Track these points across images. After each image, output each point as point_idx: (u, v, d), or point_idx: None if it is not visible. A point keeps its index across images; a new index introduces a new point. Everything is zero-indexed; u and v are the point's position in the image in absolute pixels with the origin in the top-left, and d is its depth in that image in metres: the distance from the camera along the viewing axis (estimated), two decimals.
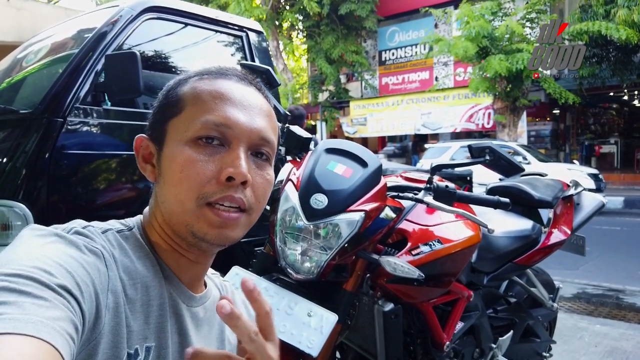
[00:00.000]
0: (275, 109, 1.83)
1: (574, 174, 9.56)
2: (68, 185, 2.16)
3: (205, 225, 0.63)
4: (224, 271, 1.46)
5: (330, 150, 1.52)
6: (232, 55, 3.14)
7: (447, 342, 1.70)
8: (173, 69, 2.71)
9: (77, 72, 2.17)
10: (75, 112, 2.15)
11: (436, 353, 1.70)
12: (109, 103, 2.28)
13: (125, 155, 2.34)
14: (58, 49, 2.65)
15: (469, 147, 1.75)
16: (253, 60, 3.04)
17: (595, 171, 11.10)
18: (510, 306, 2.27)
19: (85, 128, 2.23)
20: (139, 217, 0.72)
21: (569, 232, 2.30)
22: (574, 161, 13.66)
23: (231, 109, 0.65)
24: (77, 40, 2.48)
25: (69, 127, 2.13)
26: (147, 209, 0.71)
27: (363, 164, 1.48)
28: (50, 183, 2.06)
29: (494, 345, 2.03)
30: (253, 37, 3.13)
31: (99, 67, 2.23)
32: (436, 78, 16.75)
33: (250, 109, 0.67)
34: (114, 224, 0.68)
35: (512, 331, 2.14)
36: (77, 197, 2.20)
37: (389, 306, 1.51)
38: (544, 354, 2.44)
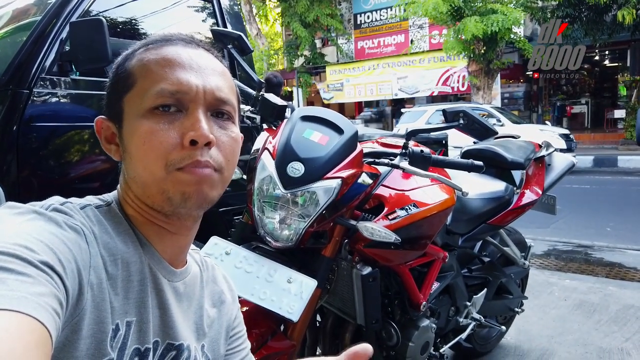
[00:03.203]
0: (249, 76, 1.80)
1: (546, 134, 9.74)
2: (39, 158, 2.11)
3: (182, 185, 0.63)
4: (202, 241, 1.47)
5: (306, 118, 1.52)
6: (203, 20, 3.06)
7: (424, 302, 1.76)
8: (142, 36, 2.63)
9: (41, 41, 2.09)
10: (42, 82, 2.08)
11: (413, 313, 1.76)
12: (77, 73, 2.21)
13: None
14: (19, 16, 2.54)
15: (444, 111, 1.77)
16: (225, 26, 2.97)
17: (566, 131, 11.32)
18: (484, 265, 2.35)
19: (53, 99, 2.17)
20: (116, 192, 0.71)
21: (541, 192, 2.37)
22: (546, 122, 13.89)
23: (182, 73, 0.64)
24: (40, 6, 2.38)
25: (36, 98, 2.07)
26: (119, 186, 0.71)
27: (339, 131, 1.48)
28: (19, 157, 2.01)
29: (468, 303, 2.11)
30: (224, 1, 3.04)
31: (64, 35, 2.15)
32: (411, 41, 16.62)
33: (201, 70, 0.66)
34: (91, 199, 0.67)
35: (486, 289, 2.23)
36: (49, 170, 2.16)
37: (367, 270, 1.55)
38: (517, 309, 2.55)
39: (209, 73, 0.67)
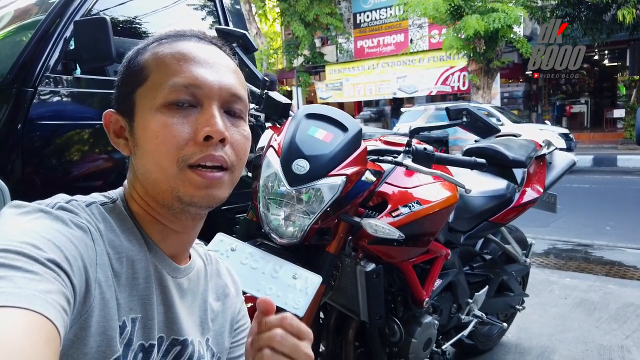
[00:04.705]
0: (253, 74, 1.81)
1: (545, 134, 9.75)
2: (42, 157, 2.12)
3: (191, 188, 0.63)
4: (207, 239, 1.48)
5: (311, 116, 1.53)
6: (204, 19, 3.07)
7: (427, 299, 1.77)
8: (145, 35, 2.64)
9: (45, 40, 2.10)
10: (46, 81, 2.09)
11: (416, 309, 1.77)
12: (80, 71, 2.22)
13: (99, 125, 2.29)
14: (23, 15, 2.54)
15: (447, 109, 1.78)
16: (227, 24, 2.98)
17: (566, 131, 11.33)
18: (486, 263, 2.36)
19: (57, 98, 2.18)
20: (121, 189, 0.70)
21: (542, 190, 2.38)
22: (546, 121, 13.89)
23: (197, 68, 0.64)
24: (43, 5, 2.39)
25: (40, 97, 2.08)
26: (126, 182, 0.70)
27: (343, 128, 1.49)
28: (24, 155, 2.02)
29: (470, 300, 2.12)
30: (226, 0, 3.05)
31: (68, 33, 2.16)
32: (411, 40, 16.64)
33: (217, 66, 0.66)
34: (97, 197, 0.67)
35: (487, 286, 2.24)
36: (52, 169, 2.16)
37: (371, 266, 1.56)
38: (518, 307, 2.56)
39: (223, 70, 0.67)
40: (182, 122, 0.62)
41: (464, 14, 11.54)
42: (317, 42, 19.10)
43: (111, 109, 0.69)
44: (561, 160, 2.58)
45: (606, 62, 17.75)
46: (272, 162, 1.44)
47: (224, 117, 0.66)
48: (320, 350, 1.84)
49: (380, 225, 1.46)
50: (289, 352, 0.62)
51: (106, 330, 0.57)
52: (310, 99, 20.14)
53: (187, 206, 0.65)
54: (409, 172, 1.64)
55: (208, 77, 0.64)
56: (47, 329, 0.44)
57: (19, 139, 2.00)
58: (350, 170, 1.44)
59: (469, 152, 2.28)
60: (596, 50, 15.25)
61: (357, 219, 1.51)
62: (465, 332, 2.17)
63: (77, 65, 2.18)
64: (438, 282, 1.91)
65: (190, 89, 0.63)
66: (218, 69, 0.66)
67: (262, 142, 1.56)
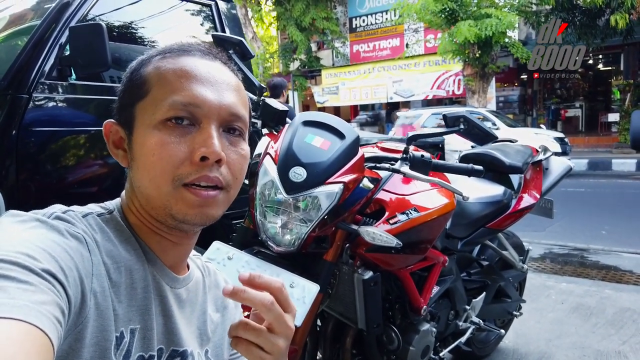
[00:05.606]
0: (250, 81, 1.81)
1: (540, 138, 9.78)
2: (37, 163, 2.11)
3: (184, 206, 0.63)
4: (204, 247, 1.47)
5: (308, 123, 1.52)
6: (201, 24, 3.06)
7: (424, 306, 1.77)
8: (141, 41, 2.63)
9: (40, 46, 2.09)
10: (41, 87, 2.08)
11: (414, 317, 1.77)
12: (76, 77, 2.21)
13: (94, 131, 2.29)
14: (18, 21, 2.53)
15: (444, 116, 1.78)
16: (223, 30, 2.97)
17: (561, 135, 11.37)
18: (483, 269, 2.36)
19: (52, 104, 2.17)
20: (118, 200, 0.70)
21: (538, 196, 2.38)
22: (541, 125, 13.94)
23: (198, 86, 0.63)
24: (38, 11, 2.38)
25: (35, 103, 2.07)
26: (123, 193, 0.70)
27: (340, 136, 1.49)
28: (18, 161, 2.01)
29: (468, 307, 2.12)
30: (222, 5, 3.05)
31: (64, 39, 2.15)
32: (406, 45, 16.70)
33: (218, 85, 0.66)
34: (93, 207, 0.67)
35: (484, 293, 2.24)
36: (47, 175, 2.15)
37: (369, 274, 1.55)
38: (515, 312, 2.56)
39: (224, 88, 0.66)
40: (179, 141, 0.62)
41: (459, 19, 11.58)
42: (314, 46, 19.14)
43: (111, 120, 0.68)
44: (558, 166, 2.58)
45: (600, 66, 17.87)
46: (269, 170, 1.43)
47: (222, 136, 0.65)
48: (317, 358, 1.83)
49: (378, 233, 1.45)
50: (273, 319, 0.61)
51: (100, 341, 0.56)
52: (306, 103, 20.16)
53: (180, 223, 0.65)
54: (407, 179, 1.64)
55: (208, 96, 0.64)
56: (40, 340, 0.43)
57: (13, 145, 1.99)
58: (347, 178, 1.43)
59: (465, 159, 2.28)
60: (591, 54, 15.33)
61: (354, 226, 1.50)
62: (463, 339, 2.16)
63: (73, 71, 2.17)
64: (435, 289, 1.90)
65: (189, 107, 0.63)
66: (219, 88, 0.66)
67: (259, 149, 1.55)
